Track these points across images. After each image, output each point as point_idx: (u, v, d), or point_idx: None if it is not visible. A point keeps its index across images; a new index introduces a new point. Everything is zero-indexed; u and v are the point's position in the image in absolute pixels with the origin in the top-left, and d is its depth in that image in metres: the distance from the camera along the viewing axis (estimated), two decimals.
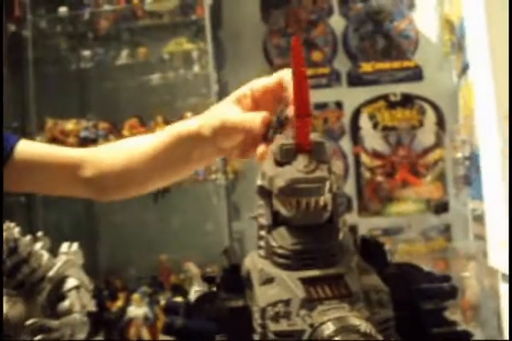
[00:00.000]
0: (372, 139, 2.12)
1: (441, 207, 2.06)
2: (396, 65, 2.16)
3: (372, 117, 2.15)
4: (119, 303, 2.02)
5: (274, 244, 0.54)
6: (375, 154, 2.09)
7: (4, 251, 0.81)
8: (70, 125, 2.15)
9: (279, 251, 0.53)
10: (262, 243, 0.57)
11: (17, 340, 0.82)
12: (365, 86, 2.20)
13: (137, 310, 1.97)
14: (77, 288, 0.86)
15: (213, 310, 0.53)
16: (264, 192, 0.55)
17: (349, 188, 2.17)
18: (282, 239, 0.54)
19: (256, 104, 0.68)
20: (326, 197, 0.51)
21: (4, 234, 0.81)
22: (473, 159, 1.81)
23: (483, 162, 1.74)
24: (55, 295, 0.85)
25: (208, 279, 0.57)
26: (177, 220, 2.26)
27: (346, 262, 0.54)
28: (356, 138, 2.14)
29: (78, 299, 0.85)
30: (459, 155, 1.90)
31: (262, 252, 0.57)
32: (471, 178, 1.84)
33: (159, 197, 2.03)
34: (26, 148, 0.87)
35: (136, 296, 2.01)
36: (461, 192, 1.95)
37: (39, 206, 2.21)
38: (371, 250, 0.59)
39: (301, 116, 0.51)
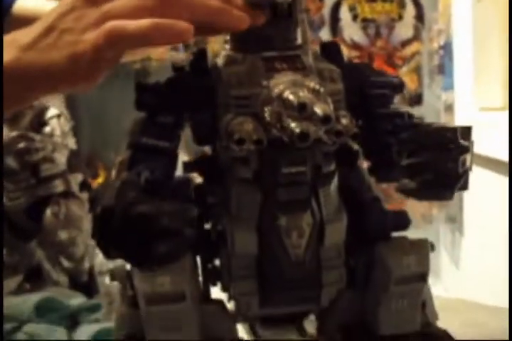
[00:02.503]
0: (351, 30, 2.15)
1: (415, 99, 2.12)
2: None
3: (352, 9, 2.17)
4: (100, 180, 2.10)
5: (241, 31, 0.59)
6: (354, 45, 2.13)
7: None
8: None
9: (246, 36, 0.58)
10: (228, 37, 0.62)
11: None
12: None
13: None
14: (58, 116, 0.91)
15: (181, 88, 0.58)
16: None
17: None
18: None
19: None
20: None
21: None
22: (447, 48, 1.85)
23: (456, 49, 1.79)
24: (37, 123, 0.90)
25: (177, 69, 0.62)
26: None
27: (306, 52, 0.59)
28: (336, 29, 2.17)
29: (59, 125, 0.90)
30: (435, 45, 1.94)
31: (228, 46, 0.62)
32: (444, 68, 1.89)
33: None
34: (27, 4, 0.89)
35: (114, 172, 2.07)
36: (435, 82, 2.00)
37: None
38: (328, 50, 0.64)
39: None
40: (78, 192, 0.97)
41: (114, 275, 0.64)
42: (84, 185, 1.01)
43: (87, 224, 0.93)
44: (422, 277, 0.65)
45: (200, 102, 0.57)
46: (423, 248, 0.65)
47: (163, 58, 2.08)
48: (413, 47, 2.11)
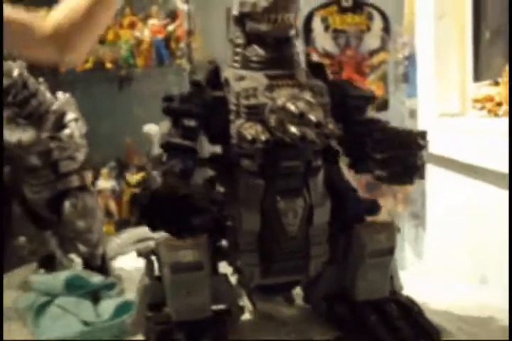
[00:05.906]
0: (323, 40, 2.30)
1: (382, 105, 2.28)
2: None
3: (324, 20, 2.33)
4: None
5: (248, 54, 0.73)
6: (325, 54, 2.28)
7: (18, 86, 0.98)
8: None
9: (253, 58, 0.73)
10: (237, 57, 0.76)
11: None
12: None
13: (105, 183, 2.15)
14: (75, 120, 1.04)
15: (200, 98, 0.72)
16: (241, 18, 0.74)
17: None
18: (255, 51, 0.73)
19: None
20: (291, 17, 0.70)
21: (17, 69, 0.98)
22: (411, 59, 2.02)
23: (419, 61, 1.95)
24: (58, 126, 1.03)
25: (194, 83, 0.76)
26: (141, 106, 2.29)
27: (300, 71, 0.74)
28: (308, 39, 2.32)
29: (77, 128, 1.03)
30: (400, 56, 2.11)
31: (236, 64, 0.76)
32: (408, 77, 2.06)
33: (123, 84, 2.18)
34: None
35: (104, 171, 2.19)
36: (399, 90, 2.17)
37: None
38: (315, 69, 0.79)
39: None
40: (90, 186, 1.10)
41: (140, 252, 0.78)
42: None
43: (99, 213, 1.06)
44: (391, 251, 0.81)
45: (214, 110, 0.72)
46: (391, 227, 0.81)
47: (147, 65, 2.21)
48: (380, 56, 2.27)
